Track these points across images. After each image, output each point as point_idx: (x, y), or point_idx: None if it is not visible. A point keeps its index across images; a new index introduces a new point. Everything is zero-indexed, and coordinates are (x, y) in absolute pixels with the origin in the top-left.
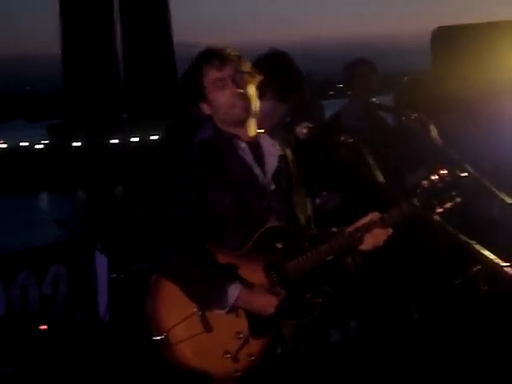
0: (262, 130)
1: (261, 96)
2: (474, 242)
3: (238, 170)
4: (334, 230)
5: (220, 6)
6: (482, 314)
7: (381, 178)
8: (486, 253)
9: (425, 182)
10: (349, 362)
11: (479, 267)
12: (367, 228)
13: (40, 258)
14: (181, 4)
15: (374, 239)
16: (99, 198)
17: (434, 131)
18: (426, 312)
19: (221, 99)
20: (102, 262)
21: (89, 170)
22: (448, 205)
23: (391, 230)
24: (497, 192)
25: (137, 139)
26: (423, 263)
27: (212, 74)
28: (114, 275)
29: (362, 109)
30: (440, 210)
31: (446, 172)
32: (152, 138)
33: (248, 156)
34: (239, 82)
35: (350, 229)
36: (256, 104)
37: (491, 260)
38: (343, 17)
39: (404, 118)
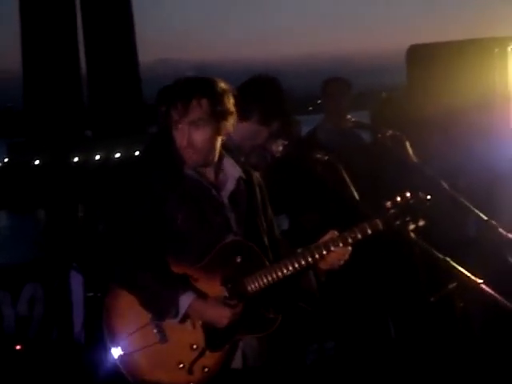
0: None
1: (245, 118)
2: (450, 259)
3: (192, 189)
4: (299, 250)
5: (202, 20)
6: (458, 331)
7: (355, 196)
8: (462, 270)
9: (388, 203)
10: (326, 381)
11: (455, 284)
12: (326, 246)
13: (15, 277)
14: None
15: (335, 257)
16: (60, 217)
17: (408, 148)
18: (403, 329)
19: (175, 138)
20: (77, 281)
21: (49, 189)
22: (410, 227)
23: (350, 249)
24: (472, 209)
25: (99, 157)
26: (399, 280)
27: (173, 114)
28: (91, 294)
29: (336, 126)
30: (402, 231)
31: (409, 194)
32: (116, 155)
33: (204, 179)
34: (197, 128)
35: (311, 247)
36: (210, 152)
37: (467, 277)
38: (322, 34)
39: (379, 136)
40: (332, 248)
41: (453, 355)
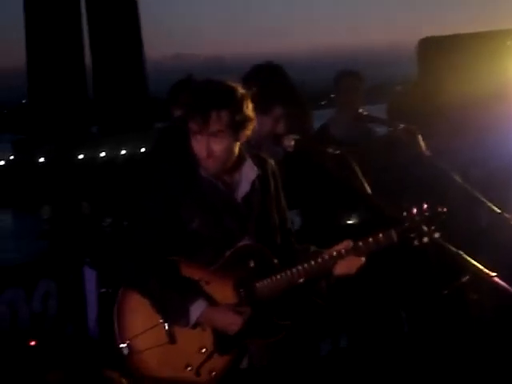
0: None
1: (266, 111)
2: (463, 252)
3: (208, 192)
4: (313, 248)
5: (215, 16)
6: (471, 324)
7: (368, 190)
8: (475, 263)
9: (405, 214)
10: (339, 374)
11: (468, 277)
12: (340, 256)
13: (28, 274)
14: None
15: (347, 267)
16: (65, 214)
17: (421, 141)
18: (416, 323)
19: (195, 148)
20: (91, 277)
21: (55, 186)
22: (425, 240)
23: (364, 259)
24: (485, 201)
25: (104, 154)
26: (412, 273)
27: (192, 124)
28: (104, 290)
29: (349, 120)
30: (417, 243)
31: (425, 206)
32: (122, 152)
33: (218, 182)
34: (215, 139)
35: (325, 255)
36: (229, 161)
37: (480, 270)
38: (336, 28)
39: (392, 129)
40: (346, 258)
41: (465, 347)
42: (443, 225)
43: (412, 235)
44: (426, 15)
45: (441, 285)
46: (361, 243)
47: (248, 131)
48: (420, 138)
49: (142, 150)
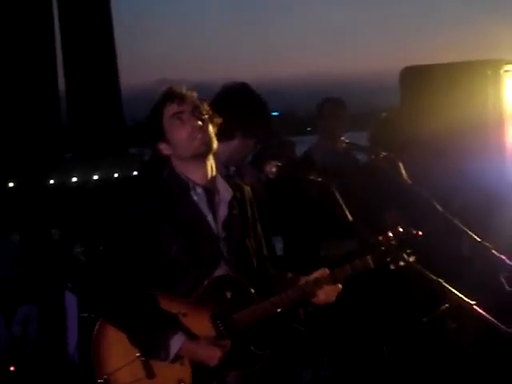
0: (215, 174)
1: (228, 137)
2: (443, 280)
3: (190, 216)
4: (290, 275)
5: (193, 43)
6: (450, 352)
7: (349, 217)
8: (454, 291)
9: (380, 238)
10: None
11: (447, 305)
12: (317, 284)
13: (9, 298)
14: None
15: (325, 295)
16: (35, 241)
17: (402, 170)
18: (396, 349)
19: (180, 133)
20: (71, 302)
21: (24, 212)
22: (401, 263)
23: (341, 286)
24: (466, 230)
25: (76, 179)
26: (392, 300)
27: (170, 110)
28: (85, 314)
29: (331, 147)
30: (393, 267)
31: (401, 229)
32: (95, 177)
33: (202, 202)
34: (198, 116)
35: (302, 282)
36: (215, 142)
37: (459, 298)
38: (322, 55)
39: (373, 157)
40: (323, 286)
41: (445, 375)
42: (418, 248)
43: (388, 259)
44: (411, 43)
45: (421, 312)
46: (337, 270)
47: (218, 120)
48: (401, 166)
49: (116, 175)
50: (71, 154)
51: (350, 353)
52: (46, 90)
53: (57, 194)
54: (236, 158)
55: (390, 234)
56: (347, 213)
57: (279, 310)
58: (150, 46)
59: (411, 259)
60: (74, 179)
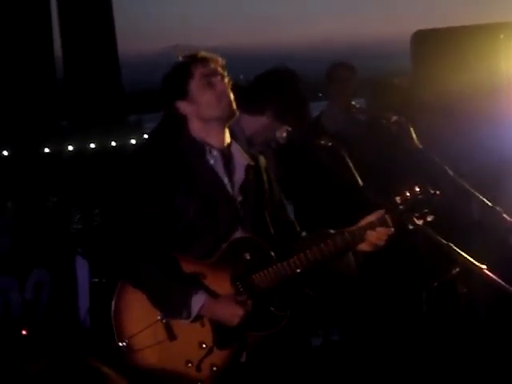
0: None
1: (259, 112)
2: (453, 245)
3: (206, 179)
4: (331, 231)
5: (207, 6)
6: (461, 316)
7: (359, 182)
8: (464, 255)
9: (397, 198)
10: (331, 367)
11: (458, 269)
12: (371, 226)
13: (21, 263)
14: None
15: (376, 238)
16: (29, 209)
17: (413, 134)
18: (405, 315)
19: (209, 95)
20: (82, 267)
21: (18, 181)
22: (419, 222)
23: (393, 230)
24: (476, 194)
25: (72, 148)
26: (402, 265)
27: (200, 71)
28: (96, 280)
29: (341, 112)
30: (410, 227)
31: (418, 189)
32: (92, 146)
33: (219, 165)
34: (225, 81)
35: (359, 225)
36: (232, 102)
37: (469, 262)
38: (332, 21)
39: (384, 121)
40: (375, 228)
41: (456, 340)
42: (435, 208)
43: (406, 218)
44: (419, 8)
45: (431, 276)
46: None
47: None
48: (412, 130)
49: (113, 143)
50: (67, 122)
51: (361, 319)
52: (42, 56)
53: (52, 163)
54: (260, 136)
55: (407, 194)
56: (357, 177)
57: (298, 270)
58: (166, 12)
59: (429, 218)
60: (70, 148)
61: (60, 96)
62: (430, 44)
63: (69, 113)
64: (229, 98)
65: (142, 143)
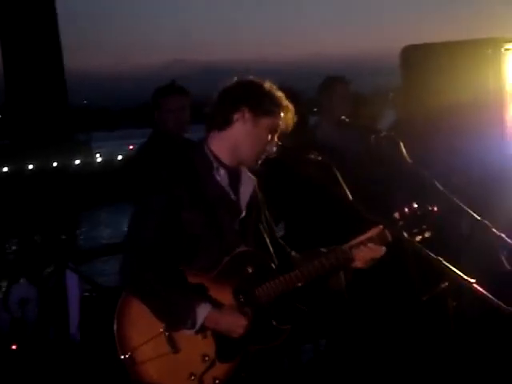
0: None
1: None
2: (442, 259)
3: (213, 194)
4: (323, 249)
5: (207, 23)
6: (449, 330)
7: (349, 197)
8: (454, 269)
9: (396, 215)
10: (322, 379)
11: (447, 284)
12: (370, 241)
13: (6, 277)
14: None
15: (372, 252)
16: None
17: (402, 149)
18: (395, 329)
19: (253, 149)
20: (72, 281)
21: None
22: (417, 238)
23: (384, 249)
24: (465, 208)
25: (7, 169)
26: (391, 279)
27: (272, 123)
28: (86, 294)
29: (332, 126)
30: (406, 243)
31: (416, 205)
32: (30, 167)
33: (224, 181)
34: (273, 139)
35: (351, 243)
36: None
37: (459, 276)
38: (324, 37)
39: (373, 136)
40: (370, 244)
41: (445, 354)
42: (433, 224)
43: (405, 234)
44: (412, 23)
45: (420, 290)
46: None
47: None
48: (401, 145)
49: (54, 164)
50: (9, 141)
51: (350, 332)
52: None
53: None
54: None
55: (406, 210)
56: (347, 192)
57: (300, 284)
58: (166, 27)
59: (427, 234)
60: (5, 169)
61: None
62: (419, 59)
63: (10, 132)
64: (263, 155)
65: (142, 158)
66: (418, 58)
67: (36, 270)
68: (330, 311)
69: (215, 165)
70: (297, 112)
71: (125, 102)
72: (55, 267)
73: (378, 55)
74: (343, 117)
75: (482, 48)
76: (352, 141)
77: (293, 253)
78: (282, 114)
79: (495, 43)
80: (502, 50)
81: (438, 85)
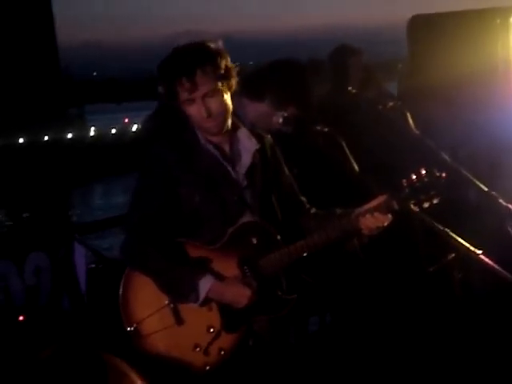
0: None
1: (257, 99)
2: (449, 230)
3: (208, 166)
4: (338, 211)
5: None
6: (456, 301)
7: (356, 168)
8: (461, 240)
9: (404, 181)
10: (328, 350)
11: (453, 255)
12: (376, 209)
13: (19, 247)
14: None
15: (377, 221)
16: None
17: (409, 120)
18: (401, 300)
19: (192, 114)
20: (80, 253)
21: None
22: (425, 204)
23: (391, 217)
24: (473, 179)
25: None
26: (398, 250)
27: (183, 95)
28: (92, 265)
29: (341, 96)
30: (417, 209)
31: (424, 172)
32: (20, 140)
33: (218, 153)
34: (210, 101)
35: (357, 211)
36: (228, 115)
37: (465, 247)
38: (334, 6)
39: (381, 107)
40: (374, 213)
41: (450, 325)
42: (441, 190)
43: (412, 201)
44: None
45: (427, 262)
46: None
47: (235, 78)
48: (408, 116)
49: (45, 138)
50: None
51: (356, 305)
52: None
53: None
54: (261, 123)
55: (413, 177)
56: (354, 164)
57: (305, 253)
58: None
59: (435, 201)
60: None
61: None
62: (427, 29)
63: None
64: (213, 121)
65: (144, 133)
66: (425, 28)
67: (48, 241)
68: (336, 284)
69: (202, 140)
70: (298, 84)
71: (134, 72)
72: (63, 239)
73: (392, 24)
74: (350, 88)
75: (490, 18)
76: (360, 111)
77: (313, 210)
78: (192, 88)
79: (504, 13)
80: (511, 19)
81: (445, 55)
